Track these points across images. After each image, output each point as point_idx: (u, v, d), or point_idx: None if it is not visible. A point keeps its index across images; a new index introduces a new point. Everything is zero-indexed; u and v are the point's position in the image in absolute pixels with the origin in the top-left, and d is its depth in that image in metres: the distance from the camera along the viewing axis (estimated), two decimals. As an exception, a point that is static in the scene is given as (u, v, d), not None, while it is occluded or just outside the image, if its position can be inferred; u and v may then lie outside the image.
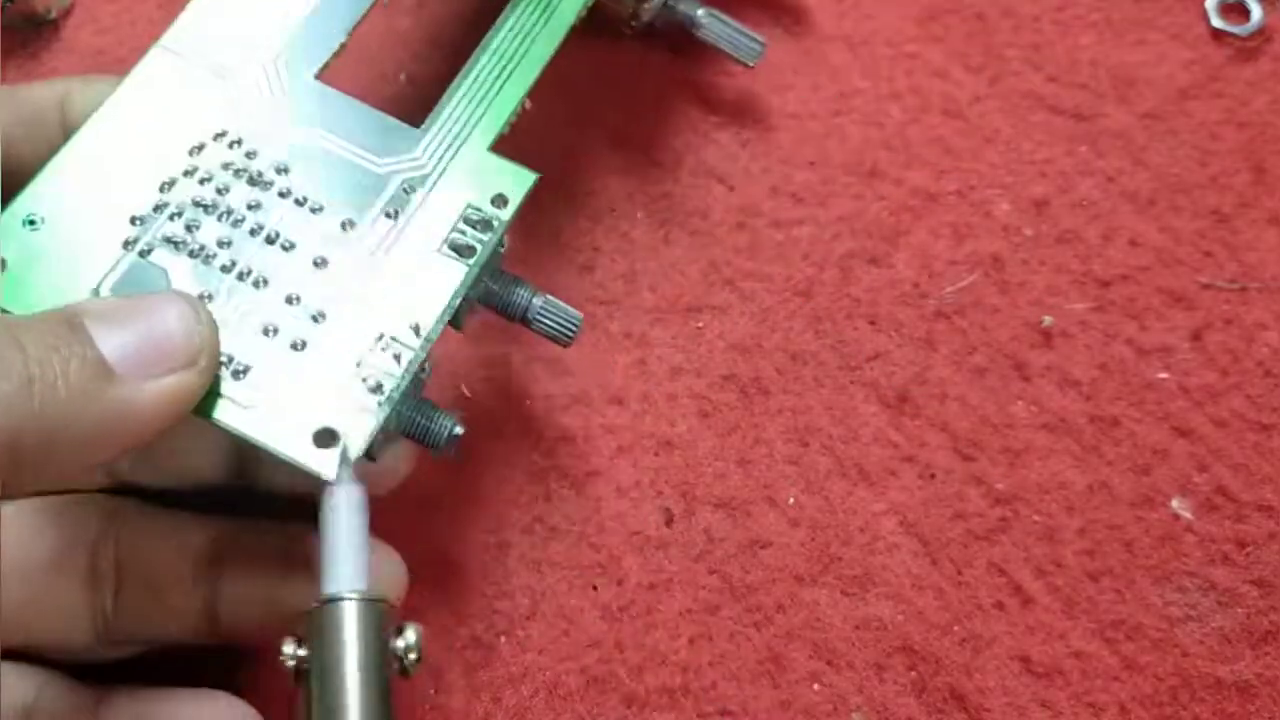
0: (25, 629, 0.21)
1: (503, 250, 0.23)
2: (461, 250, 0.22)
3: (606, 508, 0.26)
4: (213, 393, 0.20)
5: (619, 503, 0.26)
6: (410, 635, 0.19)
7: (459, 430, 0.22)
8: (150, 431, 0.19)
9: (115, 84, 0.24)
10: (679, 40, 0.30)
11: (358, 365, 0.21)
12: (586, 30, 0.25)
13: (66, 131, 0.23)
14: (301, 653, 0.18)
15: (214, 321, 0.20)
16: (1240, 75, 0.30)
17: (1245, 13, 0.31)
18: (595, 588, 0.25)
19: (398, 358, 0.21)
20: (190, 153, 0.23)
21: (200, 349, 0.20)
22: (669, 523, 0.26)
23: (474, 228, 0.22)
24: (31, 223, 0.22)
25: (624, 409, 0.27)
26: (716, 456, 0.26)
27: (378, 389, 0.21)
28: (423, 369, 0.21)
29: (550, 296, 0.23)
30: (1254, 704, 0.24)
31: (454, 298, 0.22)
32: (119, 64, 0.31)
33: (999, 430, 0.26)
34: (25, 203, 0.22)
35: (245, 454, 0.23)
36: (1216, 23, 0.30)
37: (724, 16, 0.29)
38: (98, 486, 0.23)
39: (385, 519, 0.21)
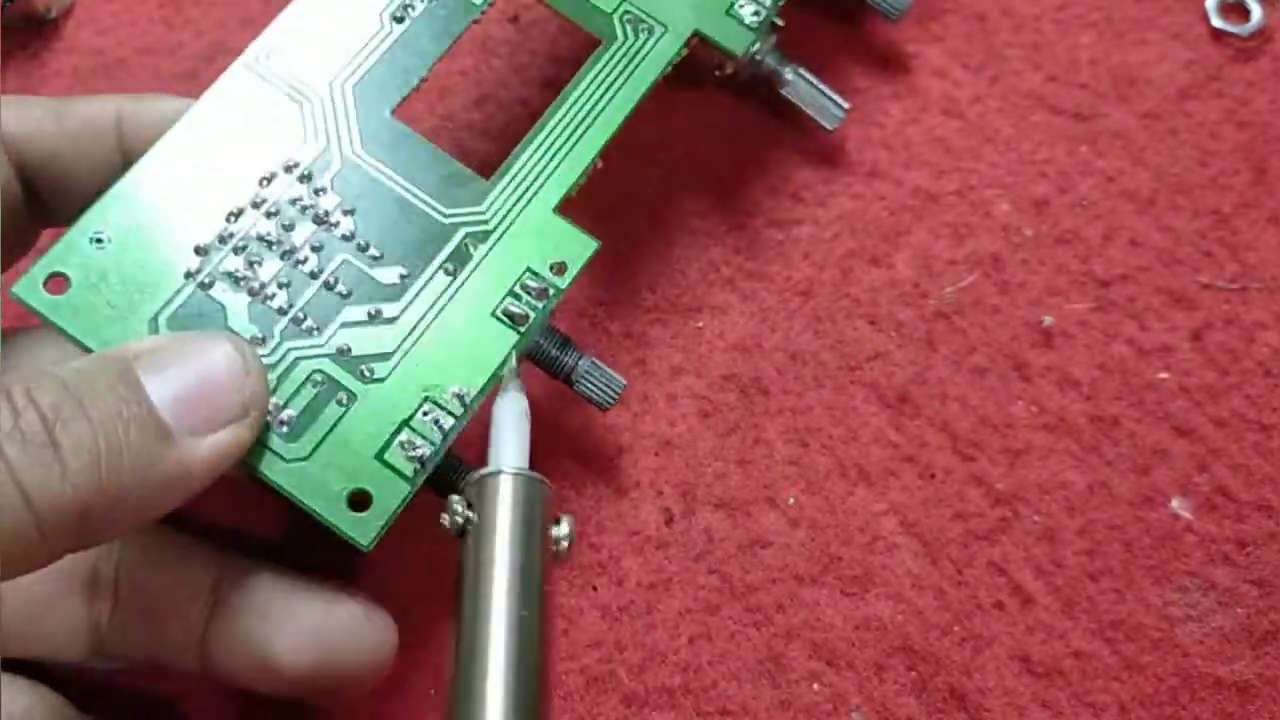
0: (21, 635, 0.21)
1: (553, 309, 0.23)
2: (515, 318, 0.22)
3: (606, 508, 0.26)
4: (258, 442, 0.21)
5: (619, 503, 0.26)
6: (565, 526, 0.20)
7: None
8: (202, 487, 0.19)
9: (172, 102, 0.24)
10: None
11: (400, 428, 0.21)
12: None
13: (124, 149, 0.23)
14: (469, 514, 0.19)
15: (263, 369, 0.21)
16: (1240, 75, 0.30)
17: (1245, 13, 0.31)
18: (595, 588, 0.25)
19: (439, 424, 0.21)
20: (260, 183, 0.23)
21: (250, 400, 0.20)
22: (669, 523, 0.26)
23: (530, 295, 0.22)
24: (98, 241, 0.22)
25: (624, 409, 0.27)
26: (716, 456, 0.26)
27: (416, 458, 0.21)
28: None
29: (595, 361, 0.23)
30: (1254, 704, 0.24)
31: (501, 365, 0.22)
32: (119, 64, 0.31)
33: (999, 430, 0.26)
34: (93, 220, 0.22)
35: (104, 638, 0.22)
36: (1216, 23, 0.30)
37: (811, 77, 0.28)
38: None
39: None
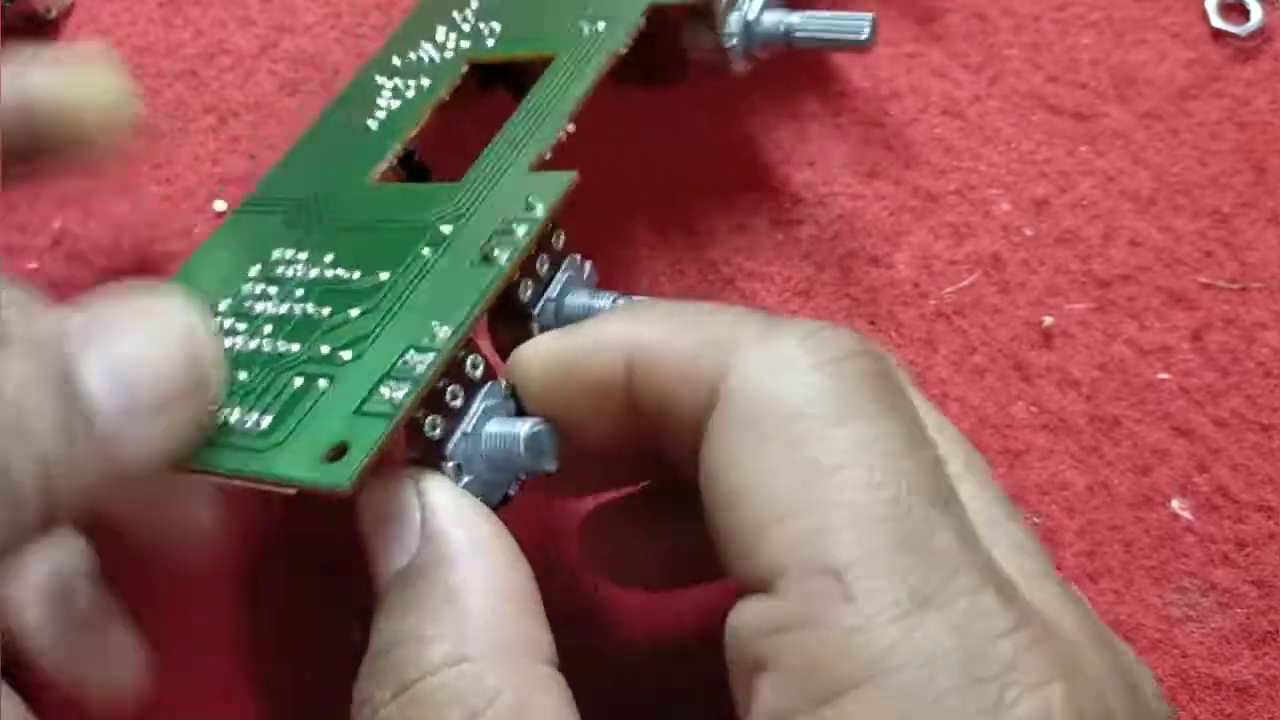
0: None
1: (559, 246, 0.22)
2: (491, 258, 0.21)
3: (606, 508, 0.26)
4: (222, 446, 0.19)
5: (619, 503, 0.26)
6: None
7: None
8: (144, 477, 0.17)
9: None
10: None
11: (379, 382, 0.19)
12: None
13: None
14: None
15: (219, 346, 0.19)
16: (1240, 75, 0.30)
17: (1245, 13, 0.31)
18: (596, 587, 0.25)
19: (419, 365, 0.19)
20: (251, 275, 0.23)
21: (201, 383, 0.18)
22: (669, 523, 0.26)
23: (504, 236, 0.21)
24: None
25: (624, 409, 0.27)
26: (716, 457, 0.26)
27: (393, 399, 0.18)
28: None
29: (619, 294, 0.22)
30: (1253, 704, 0.24)
31: (476, 306, 0.20)
32: (119, 64, 0.31)
33: (999, 430, 0.26)
34: None
35: None
36: (1216, 23, 0.30)
37: (820, 14, 0.25)
38: None
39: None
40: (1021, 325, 0.27)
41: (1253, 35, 0.30)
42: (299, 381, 0.20)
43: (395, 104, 0.26)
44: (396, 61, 0.28)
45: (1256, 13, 0.30)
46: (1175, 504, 0.26)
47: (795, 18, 0.26)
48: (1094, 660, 0.15)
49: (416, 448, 0.19)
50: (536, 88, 0.24)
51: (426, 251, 0.22)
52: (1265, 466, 0.26)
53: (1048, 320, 0.27)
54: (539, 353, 0.19)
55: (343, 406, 0.19)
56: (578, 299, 0.22)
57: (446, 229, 0.22)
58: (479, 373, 0.20)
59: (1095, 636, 0.15)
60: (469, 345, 0.20)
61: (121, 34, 0.31)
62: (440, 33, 0.28)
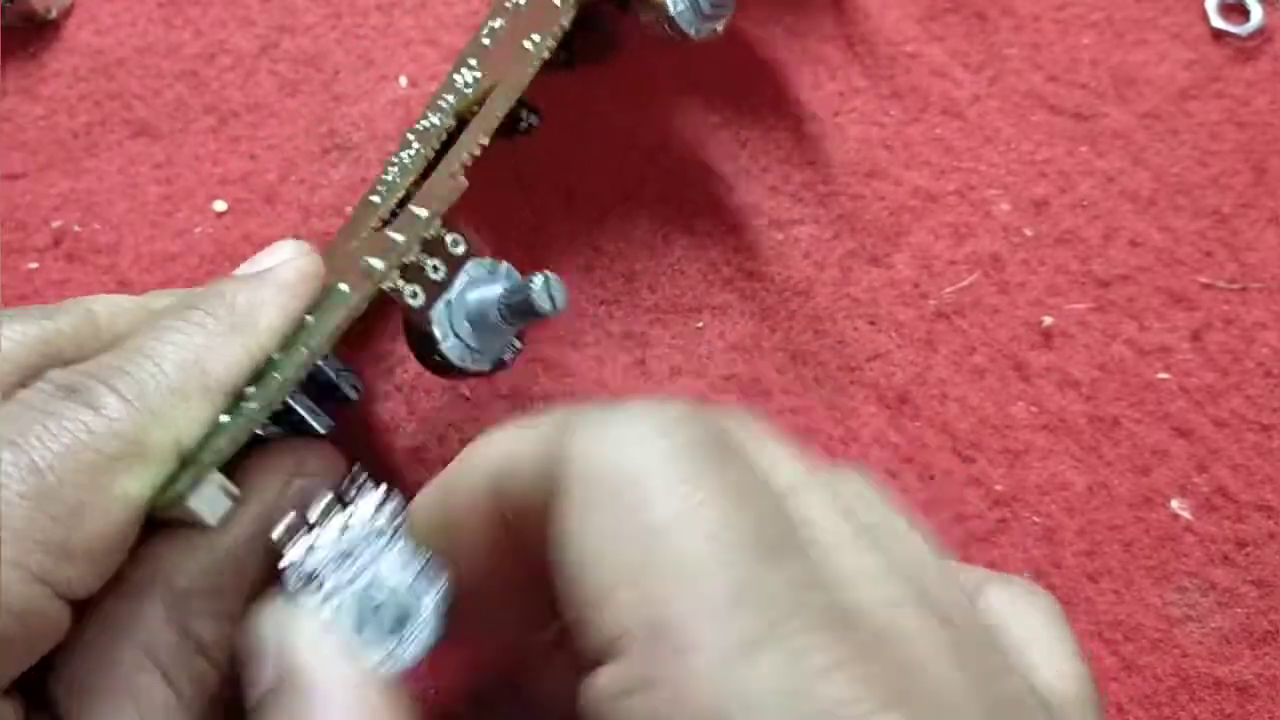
0: None
1: (459, 252, 0.22)
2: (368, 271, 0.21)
3: (606, 508, 0.26)
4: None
5: (619, 503, 0.26)
6: None
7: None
8: None
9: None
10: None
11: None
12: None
13: None
14: None
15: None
16: (1240, 75, 0.30)
17: (1245, 13, 0.31)
18: None
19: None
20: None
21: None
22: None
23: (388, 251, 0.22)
24: None
25: (624, 409, 0.27)
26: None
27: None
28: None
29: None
30: (1253, 704, 0.24)
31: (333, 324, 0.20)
32: (119, 64, 0.31)
33: (999, 431, 0.26)
34: None
35: None
36: (1216, 23, 0.30)
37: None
38: None
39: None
40: (1021, 325, 0.27)
41: (1253, 35, 0.30)
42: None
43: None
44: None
45: (1256, 13, 0.30)
46: (1175, 504, 0.26)
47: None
48: (946, 678, 0.15)
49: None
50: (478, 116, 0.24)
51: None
52: (1265, 466, 0.26)
53: (1047, 320, 0.27)
54: (423, 492, 0.20)
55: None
56: (475, 293, 0.22)
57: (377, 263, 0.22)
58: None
59: (956, 651, 0.15)
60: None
61: (121, 34, 0.31)
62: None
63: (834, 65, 0.30)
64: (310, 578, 0.19)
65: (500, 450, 0.18)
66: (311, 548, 0.19)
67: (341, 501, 0.20)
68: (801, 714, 0.14)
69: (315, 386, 0.22)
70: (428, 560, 0.19)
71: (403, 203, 0.25)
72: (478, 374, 0.22)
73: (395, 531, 0.19)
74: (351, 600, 0.19)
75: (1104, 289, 0.28)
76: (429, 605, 0.19)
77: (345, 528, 0.19)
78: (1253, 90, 0.30)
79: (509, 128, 0.25)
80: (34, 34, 0.31)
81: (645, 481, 0.16)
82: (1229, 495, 0.26)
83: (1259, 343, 0.27)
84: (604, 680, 0.15)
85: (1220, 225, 0.28)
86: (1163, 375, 0.27)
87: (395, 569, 0.19)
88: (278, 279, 0.21)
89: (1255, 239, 0.28)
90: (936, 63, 0.30)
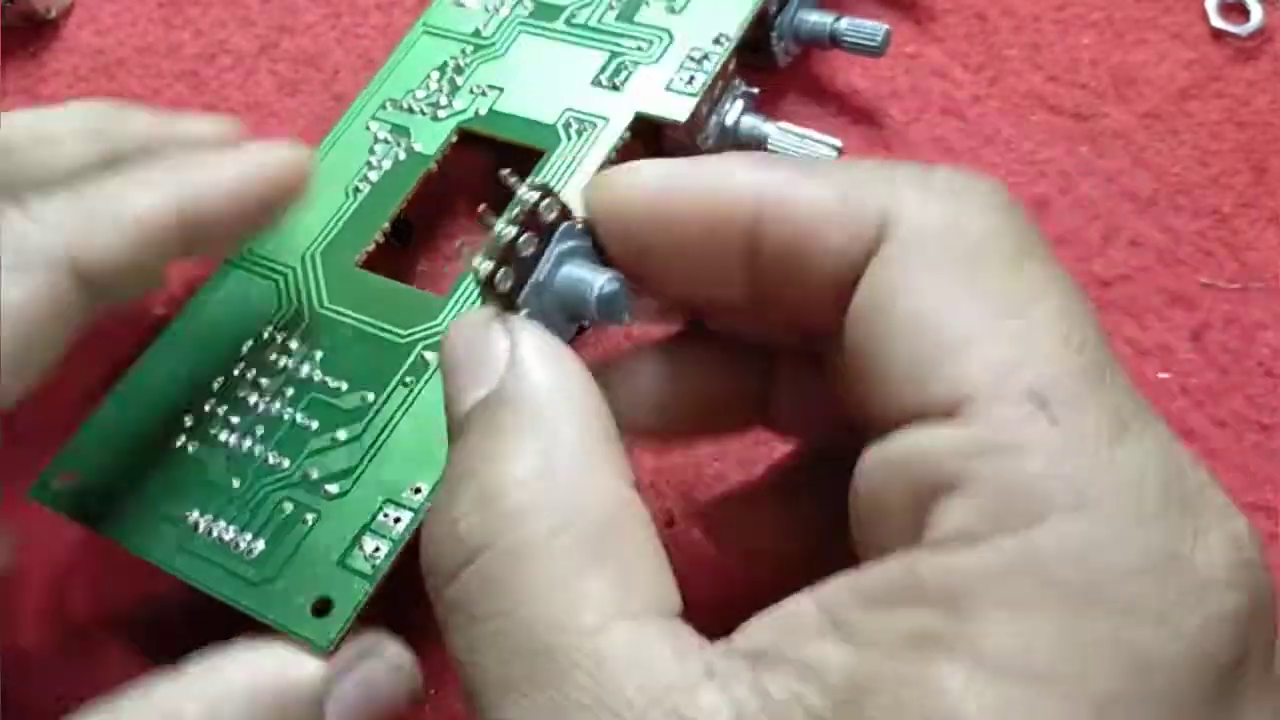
0: None
1: (552, 217, 0.18)
2: None
3: (607, 508, 0.26)
4: (224, 569, 0.21)
5: (619, 503, 0.26)
6: None
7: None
8: None
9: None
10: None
11: (360, 532, 0.21)
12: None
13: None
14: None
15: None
16: (1240, 75, 0.30)
17: (1245, 13, 0.31)
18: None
19: (397, 522, 0.21)
20: (243, 354, 0.24)
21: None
22: (669, 524, 0.26)
23: None
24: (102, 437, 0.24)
25: (624, 409, 0.27)
26: (717, 457, 0.26)
27: (375, 558, 0.21)
28: None
29: None
30: (1254, 704, 0.24)
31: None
32: (119, 64, 0.31)
33: (999, 430, 0.26)
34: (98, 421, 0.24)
35: None
36: (1216, 23, 0.30)
37: (794, 128, 0.28)
38: None
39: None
40: (1022, 325, 0.27)
41: (1253, 35, 0.30)
42: (289, 508, 0.22)
43: (386, 164, 0.27)
44: (385, 114, 0.28)
45: (1256, 13, 0.30)
46: (1175, 504, 0.26)
47: (770, 128, 0.28)
48: None
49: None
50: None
51: (410, 380, 0.23)
52: (1265, 466, 0.26)
53: (1048, 320, 0.27)
54: (638, 184, 0.17)
55: (328, 551, 0.21)
56: (573, 271, 0.18)
57: (429, 356, 0.23)
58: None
59: None
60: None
61: (121, 34, 0.31)
62: (427, 92, 0.28)
63: (834, 65, 0.30)
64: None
65: (779, 182, 0.16)
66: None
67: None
68: (1175, 500, 0.14)
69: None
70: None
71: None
72: None
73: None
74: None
75: (1104, 289, 0.28)
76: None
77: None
78: (1253, 90, 0.30)
79: None
80: (34, 34, 0.31)
81: (997, 248, 0.15)
82: (1229, 495, 0.26)
83: (1259, 343, 0.27)
84: (943, 438, 0.14)
85: (1220, 225, 0.28)
86: (1163, 375, 0.27)
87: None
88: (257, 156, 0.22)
89: (1255, 239, 0.28)
90: (936, 63, 0.30)
